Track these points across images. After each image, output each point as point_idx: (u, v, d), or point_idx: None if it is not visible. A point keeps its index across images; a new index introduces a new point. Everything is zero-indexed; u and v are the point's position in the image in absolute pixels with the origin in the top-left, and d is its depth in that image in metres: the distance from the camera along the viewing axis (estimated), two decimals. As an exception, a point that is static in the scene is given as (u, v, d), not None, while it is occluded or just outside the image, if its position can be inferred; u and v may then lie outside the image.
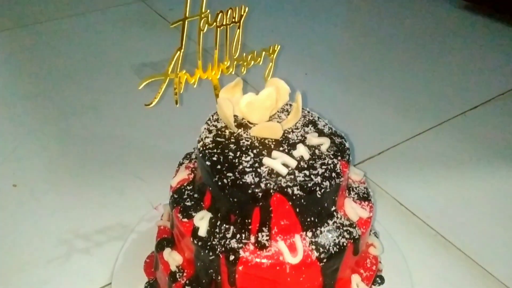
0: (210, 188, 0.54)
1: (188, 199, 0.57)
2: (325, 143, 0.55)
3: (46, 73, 1.19)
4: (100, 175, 0.89)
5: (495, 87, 1.19)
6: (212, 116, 0.59)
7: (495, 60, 1.31)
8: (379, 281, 0.70)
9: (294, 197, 0.50)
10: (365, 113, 1.10)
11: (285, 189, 0.50)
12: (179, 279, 0.57)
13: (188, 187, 0.59)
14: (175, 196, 0.58)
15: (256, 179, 0.50)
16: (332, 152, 0.55)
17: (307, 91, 1.14)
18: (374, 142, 1.00)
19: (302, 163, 0.53)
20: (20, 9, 1.47)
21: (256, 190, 0.50)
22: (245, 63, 0.62)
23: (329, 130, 0.59)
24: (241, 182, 0.50)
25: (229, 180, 0.51)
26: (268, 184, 0.50)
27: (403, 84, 1.21)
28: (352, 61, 1.31)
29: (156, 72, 0.54)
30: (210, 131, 0.57)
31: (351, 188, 0.61)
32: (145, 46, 1.30)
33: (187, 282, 0.56)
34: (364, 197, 0.60)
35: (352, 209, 0.57)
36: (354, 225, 0.56)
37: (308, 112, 0.62)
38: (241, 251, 0.51)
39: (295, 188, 0.50)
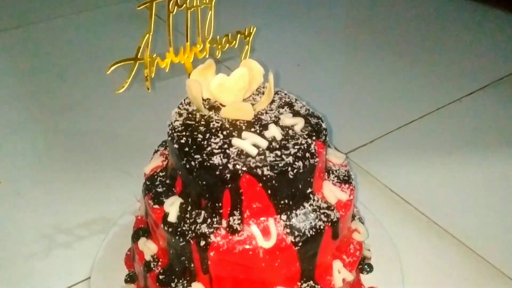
0: (180, 173, 0.52)
1: (160, 185, 0.55)
2: (299, 123, 0.53)
3: (34, 71, 1.18)
4: (86, 170, 0.88)
5: (491, 73, 1.15)
6: (184, 100, 0.57)
7: (491, 46, 1.28)
8: (368, 269, 0.68)
9: (264, 178, 0.48)
10: (357, 101, 1.08)
11: (255, 170, 0.48)
12: (153, 269, 0.55)
13: (161, 174, 0.57)
14: (148, 183, 0.57)
15: (224, 160, 0.48)
16: (306, 132, 0.53)
17: (300, 82, 1.13)
18: (367, 130, 0.98)
19: (273, 144, 0.51)
20: (9, 10, 1.46)
21: (224, 171, 0.48)
22: (219, 46, 0.61)
23: (306, 111, 0.57)
24: (208, 164, 0.48)
25: (196, 162, 0.49)
26: (237, 165, 0.48)
27: (396, 71, 1.18)
28: (346, 49, 1.29)
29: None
30: (180, 115, 0.55)
31: (330, 171, 0.58)
32: (136, 43, 1.28)
33: (161, 271, 0.55)
34: (345, 180, 0.58)
35: (331, 192, 0.55)
36: (332, 208, 0.54)
37: (285, 94, 0.60)
38: (212, 236, 0.49)
39: (265, 169, 0.48)
